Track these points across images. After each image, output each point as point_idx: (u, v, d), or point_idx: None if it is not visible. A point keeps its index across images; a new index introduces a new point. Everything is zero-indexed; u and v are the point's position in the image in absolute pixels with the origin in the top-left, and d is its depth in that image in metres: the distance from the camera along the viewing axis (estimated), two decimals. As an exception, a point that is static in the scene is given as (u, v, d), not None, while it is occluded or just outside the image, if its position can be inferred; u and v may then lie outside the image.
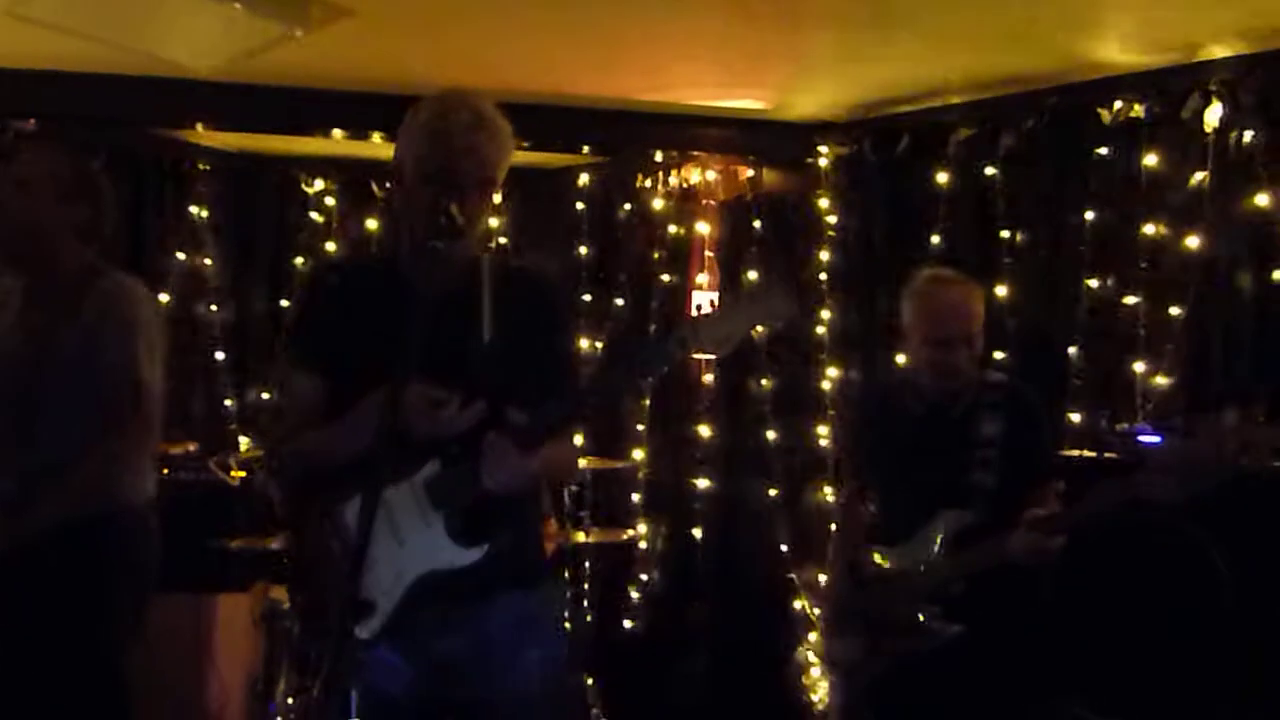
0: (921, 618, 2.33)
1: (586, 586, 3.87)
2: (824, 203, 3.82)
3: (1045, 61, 3.15)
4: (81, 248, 2.26)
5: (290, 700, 3.25)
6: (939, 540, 2.35)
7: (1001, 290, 3.35)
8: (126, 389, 2.18)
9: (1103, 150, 3.17)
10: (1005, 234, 3.37)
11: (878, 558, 2.47)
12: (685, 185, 4.15)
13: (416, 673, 1.72)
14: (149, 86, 3.55)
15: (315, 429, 1.77)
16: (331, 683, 1.23)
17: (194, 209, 4.19)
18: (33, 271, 2.25)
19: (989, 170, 3.41)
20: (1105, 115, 3.16)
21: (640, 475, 4.12)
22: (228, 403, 4.19)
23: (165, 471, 3.30)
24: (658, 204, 4.17)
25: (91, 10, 2.91)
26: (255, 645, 3.42)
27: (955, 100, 3.48)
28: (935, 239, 3.51)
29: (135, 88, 3.56)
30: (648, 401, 4.15)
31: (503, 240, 4.31)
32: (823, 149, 3.81)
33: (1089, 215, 3.19)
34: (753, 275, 3.90)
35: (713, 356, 1.65)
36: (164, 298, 3.94)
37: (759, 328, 1.64)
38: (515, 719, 1.76)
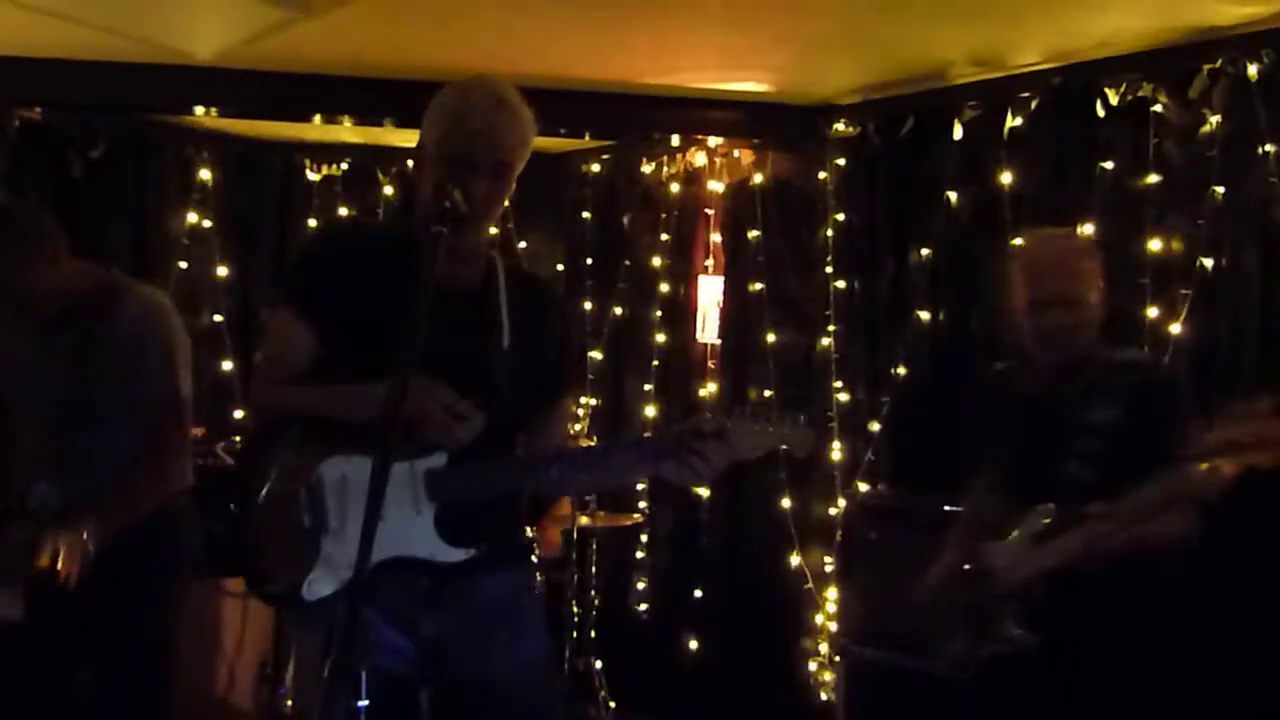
0: (1004, 622, 2.12)
1: (593, 570, 3.88)
2: (828, 185, 3.81)
3: (1051, 41, 3.13)
4: (63, 269, 2.26)
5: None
6: (1026, 537, 2.12)
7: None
8: (171, 407, 2.31)
9: (1109, 130, 3.16)
10: (1010, 215, 3.36)
11: (986, 549, 2.22)
12: (690, 169, 4.14)
13: (393, 648, 1.70)
14: (153, 73, 3.54)
15: (298, 383, 1.74)
16: (340, 664, 1.23)
17: (198, 196, 4.19)
18: (28, 306, 2.27)
19: (995, 151, 3.39)
20: (1112, 95, 3.15)
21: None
22: (234, 388, 4.20)
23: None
24: (663, 188, 4.16)
25: (94, -4, 2.91)
26: (264, 629, 3.45)
27: (960, 81, 3.46)
28: (941, 221, 3.50)
29: (139, 74, 3.55)
30: (651, 386, 4.16)
31: (508, 224, 4.31)
32: (828, 131, 3.80)
33: (1095, 196, 3.18)
34: (759, 258, 3.90)
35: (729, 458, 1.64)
36: (170, 285, 3.95)
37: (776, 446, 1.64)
38: (498, 699, 1.74)
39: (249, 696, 3.54)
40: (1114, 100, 3.14)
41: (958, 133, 3.47)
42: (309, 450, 1.67)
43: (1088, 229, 3.16)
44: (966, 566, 2.26)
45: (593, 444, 1.77)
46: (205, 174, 4.19)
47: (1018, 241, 2.30)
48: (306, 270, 1.81)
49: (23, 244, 2.23)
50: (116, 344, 2.27)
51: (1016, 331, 2.32)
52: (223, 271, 4.23)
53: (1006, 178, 3.35)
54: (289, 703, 3.28)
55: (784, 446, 1.62)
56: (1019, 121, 3.34)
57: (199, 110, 3.80)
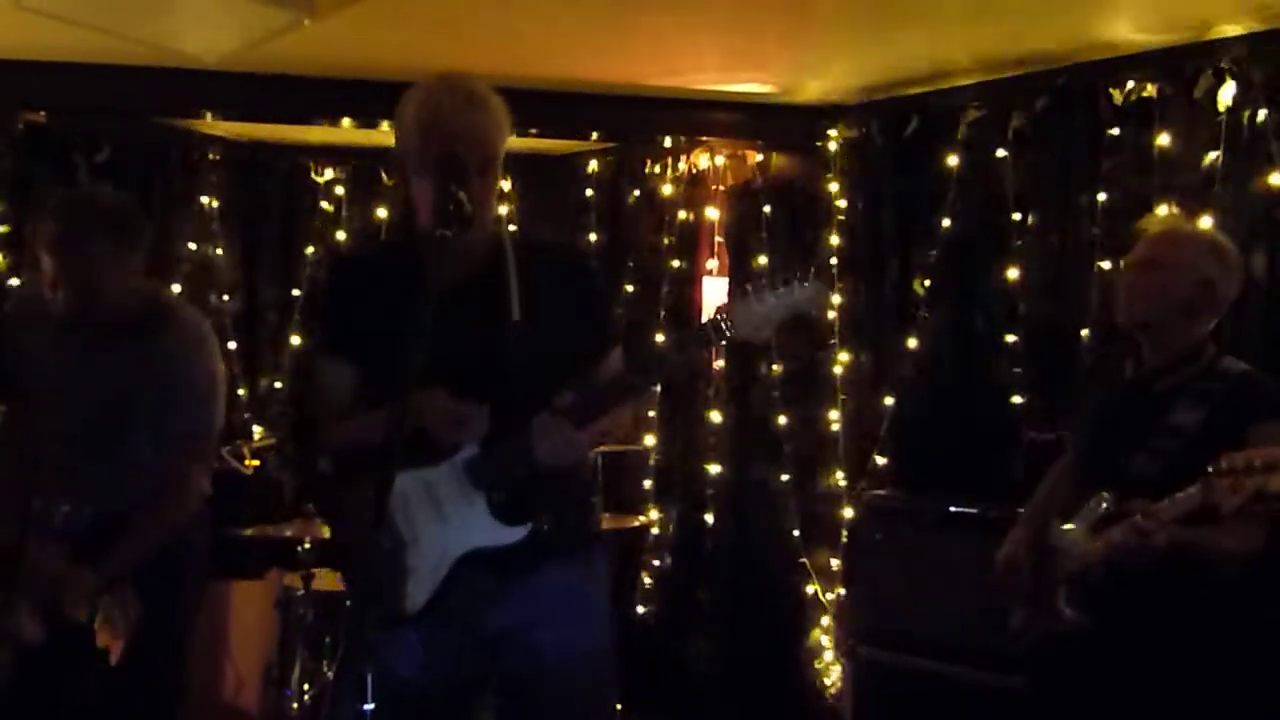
0: (1058, 601, 2.17)
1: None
2: (833, 186, 3.80)
3: (1056, 41, 3.13)
4: (134, 279, 2.29)
5: (305, 686, 3.28)
6: (1088, 522, 2.16)
7: (1013, 273, 3.34)
8: (204, 439, 2.36)
9: (1114, 131, 3.15)
10: (1016, 216, 3.36)
11: (1053, 530, 2.25)
12: (693, 170, 4.14)
13: (458, 648, 1.73)
14: (157, 76, 3.55)
15: (347, 416, 1.79)
16: (346, 667, 1.24)
17: (203, 199, 4.20)
18: (89, 306, 2.26)
19: (999, 152, 3.39)
20: (1117, 95, 3.14)
21: (651, 460, 4.12)
22: (240, 392, 4.21)
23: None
24: (666, 190, 4.16)
25: (98, 1, 2.92)
26: (269, 632, 3.45)
27: (964, 81, 3.46)
28: (945, 221, 3.50)
29: (144, 78, 3.56)
30: (658, 387, 4.16)
31: (511, 228, 4.31)
32: (831, 132, 3.80)
33: (1100, 196, 3.17)
34: (763, 260, 3.91)
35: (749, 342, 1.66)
36: (176, 288, 3.96)
37: (791, 314, 1.65)
38: (558, 694, 1.77)
39: (255, 700, 3.54)
40: (1119, 100, 3.14)
41: (962, 133, 3.47)
42: (367, 478, 1.67)
43: (1094, 231, 3.16)
44: (1043, 543, 2.28)
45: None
46: (211, 177, 4.20)
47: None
48: (326, 308, 1.88)
49: (122, 243, 2.23)
50: (160, 369, 2.27)
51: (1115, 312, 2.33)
52: (229, 274, 4.23)
53: (1011, 178, 3.35)
54: (294, 705, 3.29)
55: (796, 312, 1.62)
56: (1024, 122, 3.34)
57: (204, 114, 3.81)
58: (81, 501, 2.27)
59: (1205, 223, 2.95)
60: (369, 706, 1.25)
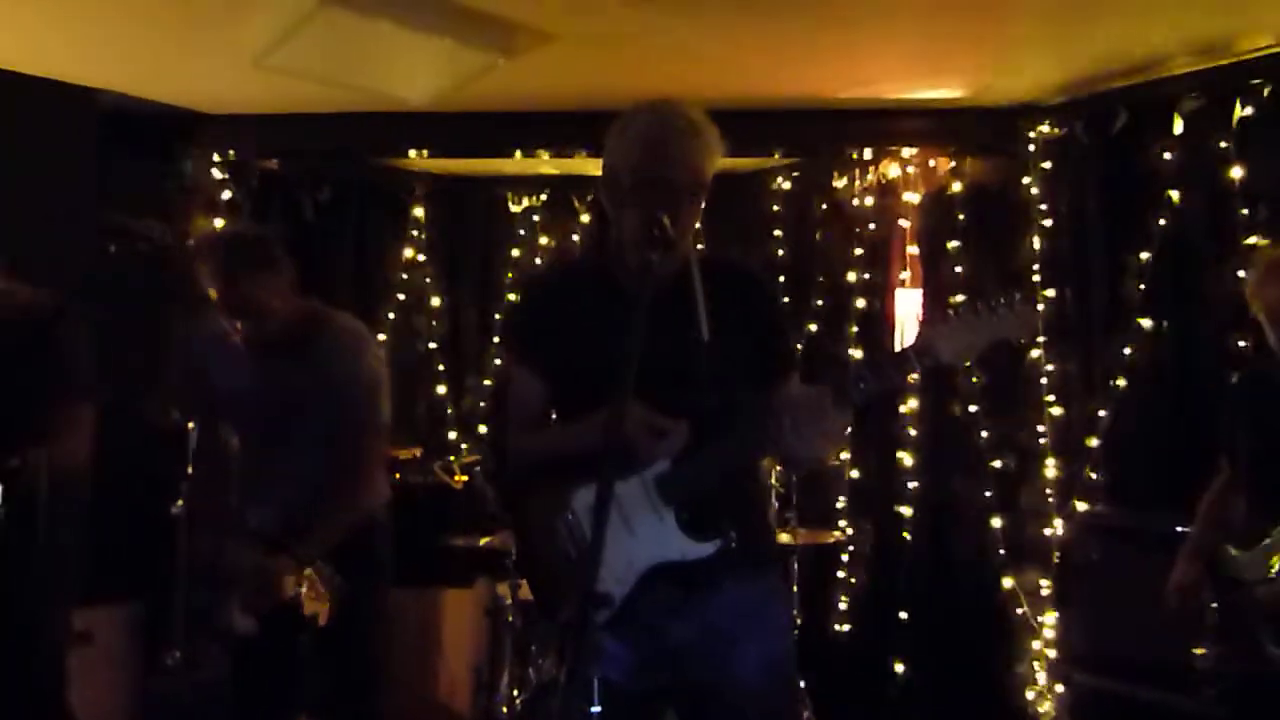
0: (1264, 642, 2.11)
1: (794, 587, 3.85)
2: (1033, 190, 3.64)
3: (1283, 19, 2.89)
4: (292, 297, 2.53)
5: (514, 690, 3.42)
6: (1272, 555, 2.12)
7: (1242, 273, 3.09)
8: (371, 431, 2.53)
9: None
10: (1244, 212, 3.10)
11: (1232, 559, 2.23)
12: (883, 180, 4.06)
13: (642, 660, 1.77)
14: (372, 120, 3.85)
15: (538, 429, 1.86)
16: (576, 670, 1.29)
17: (412, 230, 4.49)
18: (260, 325, 2.53)
19: (1222, 144, 3.14)
20: (1361, 74, 2.86)
21: (846, 475, 4.06)
22: (448, 411, 4.47)
23: (396, 476, 3.57)
24: (855, 202, 4.10)
25: (324, 56, 3.20)
26: (479, 637, 3.63)
27: (1178, 70, 3.24)
28: (1161, 221, 3.28)
29: (360, 122, 3.87)
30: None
31: (699, 247, 4.36)
32: (1029, 133, 3.64)
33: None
34: (959, 269, 3.78)
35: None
36: (390, 315, 4.25)
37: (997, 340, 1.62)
38: (739, 708, 1.78)
39: (466, 703, 3.72)
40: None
41: (1178, 127, 3.25)
42: (560, 487, 1.77)
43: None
44: (1224, 571, 2.24)
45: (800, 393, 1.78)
46: (418, 210, 4.48)
47: (1265, 248, 2.44)
48: (522, 327, 1.96)
49: (271, 269, 2.50)
50: (321, 371, 2.48)
51: (1265, 333, 2.31)
52: (435, 301, 4.50)
53: (1237, 173, 3.11)
54: (503, 709, 3.43)
55: (1005, 338, 1.59)
56: (1250, 111, 3.09)
57: (411, 152, 4.09)
58: (268, 503, 2.49)
59: None
60: (596, 709, 1.30)
